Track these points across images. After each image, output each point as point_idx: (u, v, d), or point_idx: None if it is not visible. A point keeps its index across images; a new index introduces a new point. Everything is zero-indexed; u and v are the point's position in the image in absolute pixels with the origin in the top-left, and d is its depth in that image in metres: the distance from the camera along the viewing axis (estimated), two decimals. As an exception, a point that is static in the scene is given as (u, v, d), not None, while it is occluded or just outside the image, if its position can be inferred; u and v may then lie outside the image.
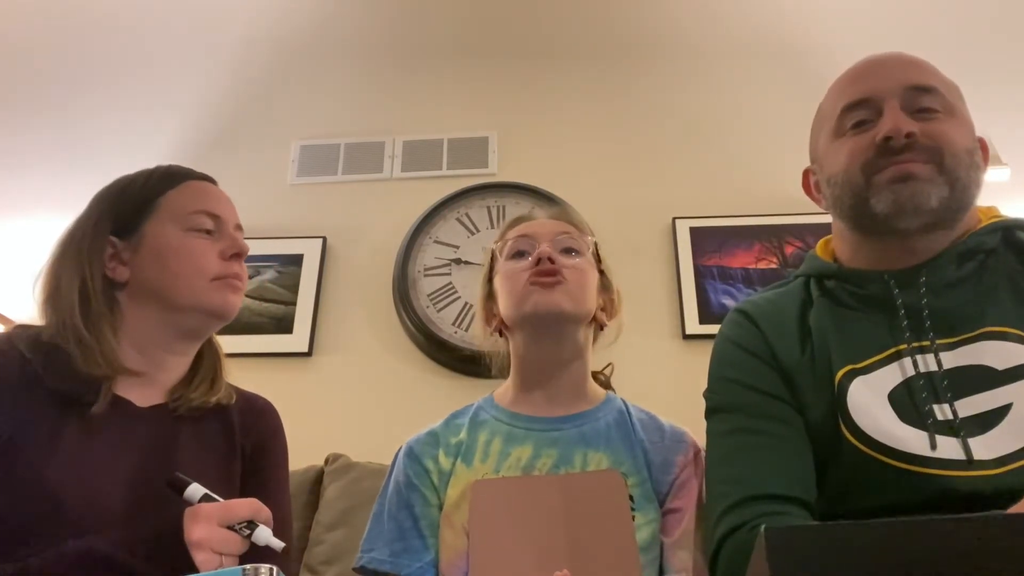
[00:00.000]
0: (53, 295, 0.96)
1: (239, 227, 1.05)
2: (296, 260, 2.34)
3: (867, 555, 0.41)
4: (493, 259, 1.15)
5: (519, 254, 1.08)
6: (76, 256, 0.97)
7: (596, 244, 1.14)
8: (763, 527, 0.41)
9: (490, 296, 1.14)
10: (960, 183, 0.89)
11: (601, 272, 1.13)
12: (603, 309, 1.12)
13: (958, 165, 0.89)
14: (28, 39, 2.57)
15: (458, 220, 2.37)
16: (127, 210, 1.00)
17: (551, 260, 1.03)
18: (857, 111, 0.94)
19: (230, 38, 2.63)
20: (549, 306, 1.02)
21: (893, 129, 0.88)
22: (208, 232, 1.00)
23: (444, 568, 0.97)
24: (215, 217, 1.01)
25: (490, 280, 1.15)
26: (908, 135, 0.88)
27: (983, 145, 0.96)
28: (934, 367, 0.85)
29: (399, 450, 1.09)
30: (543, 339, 1.06)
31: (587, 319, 1.08)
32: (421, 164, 2.52)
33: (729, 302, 2.17)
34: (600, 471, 0.99)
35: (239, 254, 1.01)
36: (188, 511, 0.79)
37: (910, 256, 0.92)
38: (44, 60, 2.63)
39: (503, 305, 1.08)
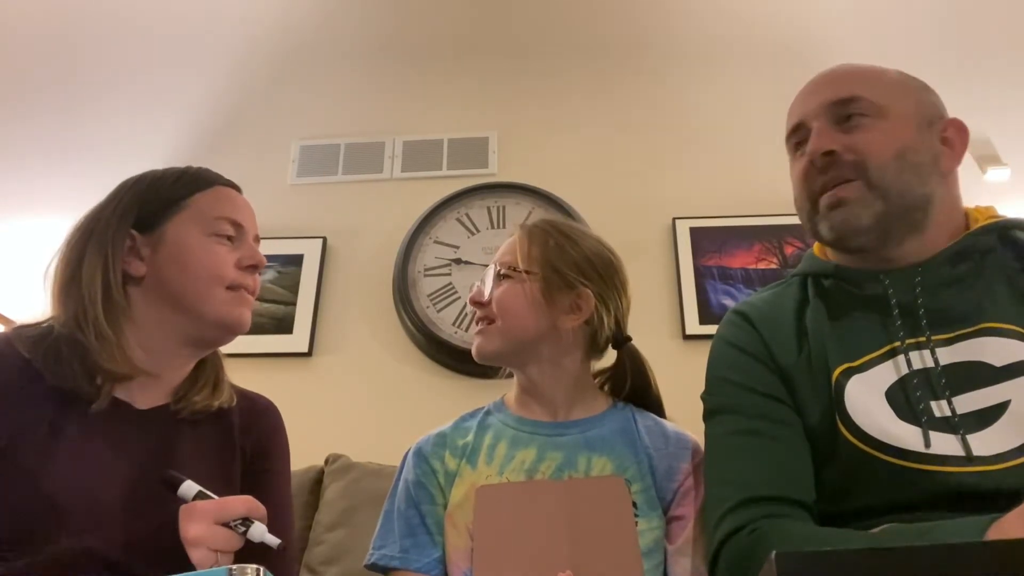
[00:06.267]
0: (72, 282, 0.94)
1: (258, 238, 1.06)
2: (296, 260, 2.34)
3: None
4: None
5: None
6: (99, 244, 0.96)
7: (543, 255, 1.09)
8: (774, 553, 0.41)
9: None
10: (893, 192, 0.89)
11: (548, 279, 1.07)
12: (571, 311, 1.08)
13: (885, 174, 0.89)
14: (28, 40, 2.58)
15: (458, 220, 2.37)
16: (153, 205, 0.99)
17: (480, 302, 1.10)
18: (795, 137, 0.98)
19: (230, 38, 2.63)
20: (481, 352, 1.10)
21: (812, 152, 0.92)
22: (229, 239, 1.00)
23: (447, 567, 0.98)
24: (238, 226, 1.01)
25: None
26: (826, 154, 0.91)
27: (956, 125, 0.95)
28: (931, 363, 0.85)
29: (408, 450, 1.11)
30: (512, 368, 1.12)
31: (536, 339, 1.07)
32: (421, 164, 2.52)
33: (729, 302, 2.17)
34: (603, 477, 1.00)
35: (255, 266, 1.01)
36: (183, 508, 0.78)
37: (902, 258, 0.92)
38: (44, 61, 2.63)
39: None
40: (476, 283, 1.14)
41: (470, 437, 1.07)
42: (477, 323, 1.11)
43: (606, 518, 0.94)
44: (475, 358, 1.10)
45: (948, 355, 0.85)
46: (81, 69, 2.64)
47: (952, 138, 0.95)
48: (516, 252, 1.11)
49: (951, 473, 0.78)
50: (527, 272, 1.08)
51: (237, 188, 1.08)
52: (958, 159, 0.95)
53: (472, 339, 1.12)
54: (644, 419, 1.09)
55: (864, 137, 0.91)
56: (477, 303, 1.10)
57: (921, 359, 0.86)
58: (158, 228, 0.98)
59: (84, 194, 1.05)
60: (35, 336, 0.92)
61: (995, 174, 2.40)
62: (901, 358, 0.86)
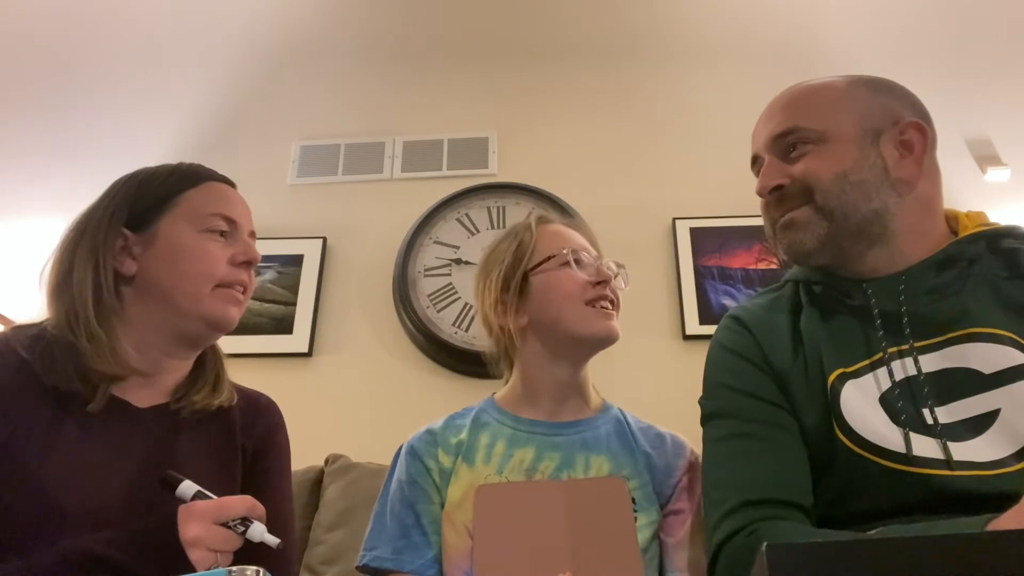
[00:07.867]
0: (64, 283, 0.94)
1: (253, 234, 1.04)
2: (296, 260, 2.34)
3: (867, 572, 0.41)
4: (522, 254, 1.10)
5: (576, 263, 1.08)
6: (90, 245, 0.95)
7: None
8: (764, 544, 0.41)
9: (516, 291, 1.09)
10: (839, 212, 0.91)
11: None
12: None
13: (828, 198, 0.92)
14: (28, 39, 2.58)
15: (458, 220, 2.37)
16: (145, 204, 0.98)
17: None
18: (755, 168, 1.03)
19: (230, 38, 2.63)
20: (611, 334, 1.06)
21: (759, 190, 0.97)
22: (222, 235, 0.99)
23: (445, 566, 0.98)
24: (231, 221, 1.00)
25: (524, 276, 1.09)
26: (772, 190, 0.95)
27: (915, 126, 0.93)
28: (913, 371, 0.85)
29: (399, 449, 1.10)
30: (580, 359, 1.09)
31: None
32: (421, 164, 2.52)
33: (729, 302, 2.17)
34: (604, 477, 1.00)
35: (249, 262, 1.00)
36: (182, 509, 0.78)
37: (880, 268, 0.92)
38: (44, 60, 2.63)
39: (551, 313, 1.06)
40: (605, 267, 1.10)
41: (464, 435, 1.06)
42: (602, 305, 1.06)
43: (606, 518, 0.95)
44: (609, 340, 1.06)
45: (934, 362, 0.85)
46: (81, 69, 2.64)
47: (912, 140, 0.93)
48: (596, 245, 1.15)
49: (933, 476, 0.78)
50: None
51: (231, 184, 1.06)
52: (918, 162, 0.93)
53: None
54: (636, 422, 1.10)
55: (806, 166, 0.93)
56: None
57: (903, 368, 0.85)
58: (150, 226, 0.97)
59: (84, 195, 1.04)
60: (31, 336, 0.92)
61: (995, 174, 2.40)
62: (886, 367, 0.86)
